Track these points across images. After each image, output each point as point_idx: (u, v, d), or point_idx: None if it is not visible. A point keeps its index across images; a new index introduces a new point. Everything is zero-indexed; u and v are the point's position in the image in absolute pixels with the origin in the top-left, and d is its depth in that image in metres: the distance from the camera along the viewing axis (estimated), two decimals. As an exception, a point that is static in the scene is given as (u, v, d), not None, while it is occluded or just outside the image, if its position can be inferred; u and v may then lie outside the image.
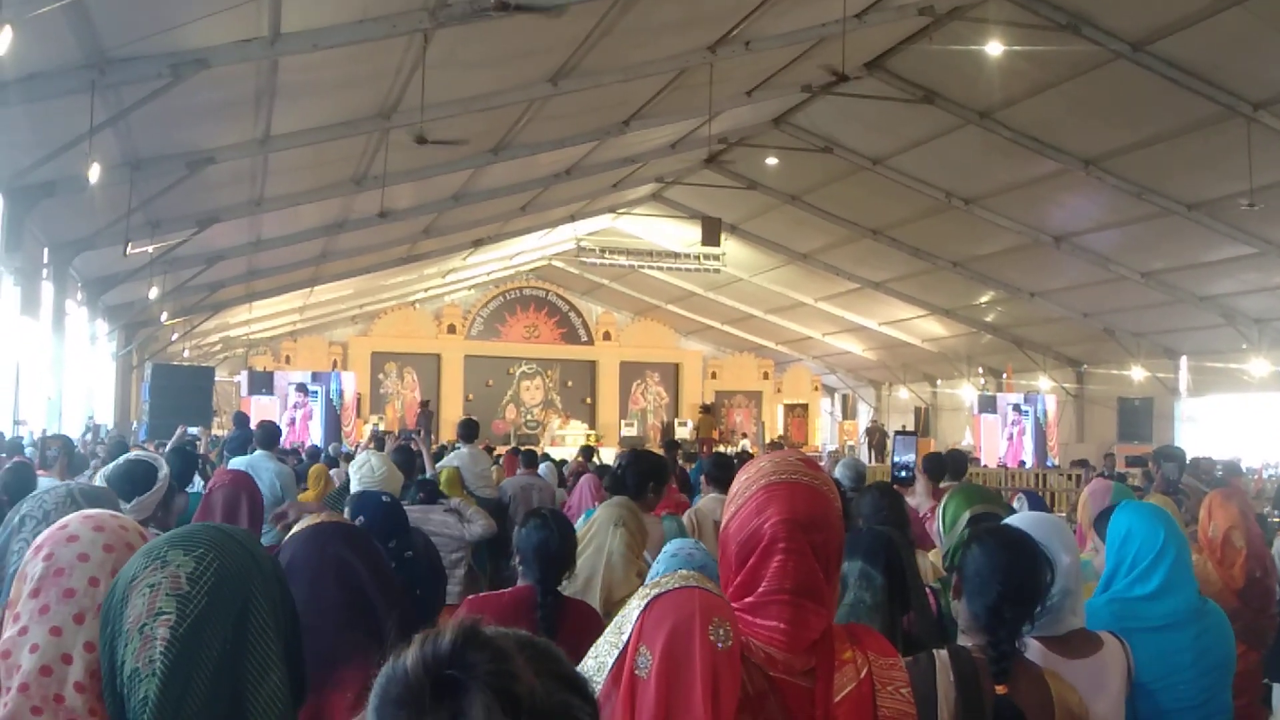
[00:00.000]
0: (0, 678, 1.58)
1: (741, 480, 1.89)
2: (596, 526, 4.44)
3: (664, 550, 3.08)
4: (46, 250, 12.97)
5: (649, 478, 5.01)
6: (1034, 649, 2.50)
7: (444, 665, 0.93)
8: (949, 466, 7.10)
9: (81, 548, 1.66)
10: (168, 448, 9.39)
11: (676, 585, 1.73)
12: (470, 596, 3.78)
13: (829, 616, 1.84)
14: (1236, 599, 3.95)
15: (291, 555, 2.37)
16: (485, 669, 0.92)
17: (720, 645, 1.64)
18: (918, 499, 6.49)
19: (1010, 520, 2.86)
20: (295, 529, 2.51)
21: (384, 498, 4.24)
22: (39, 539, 1.70)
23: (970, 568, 2.37)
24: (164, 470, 3.87)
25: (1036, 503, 5.39)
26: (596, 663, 1.72)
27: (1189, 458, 9.53)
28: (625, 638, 1.70)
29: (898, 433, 9.35)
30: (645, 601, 1.71)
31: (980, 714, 1.97)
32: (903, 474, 4.41)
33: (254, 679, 1.52)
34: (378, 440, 11.11)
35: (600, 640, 1.78)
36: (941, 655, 2.26)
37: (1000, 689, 2.07)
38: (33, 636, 1.58)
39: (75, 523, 1.70)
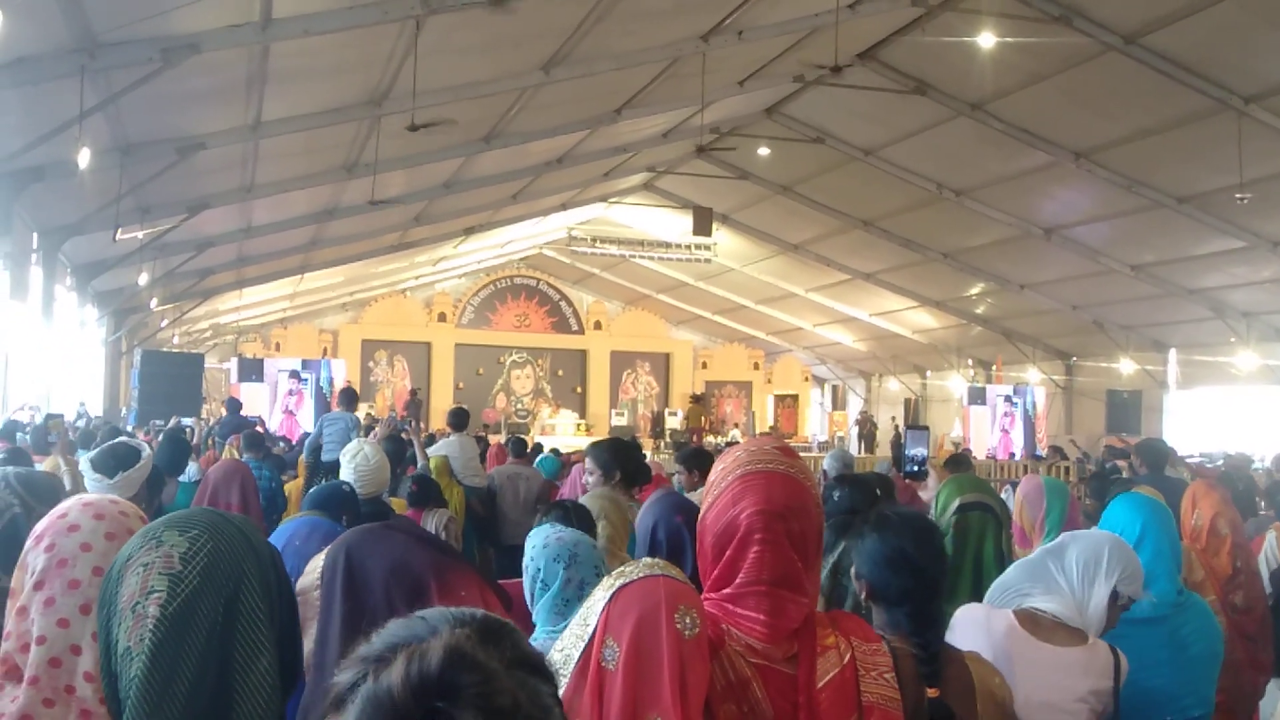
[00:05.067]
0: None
1: (718, 470, 1.88)
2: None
3: (532, 543, 2.89)
4: (36, 235, 12.89)
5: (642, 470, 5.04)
6: (1018, 634, 2.52)
7: (433, 694, 0.90)
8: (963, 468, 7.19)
9: (84, 537, 1.64)
10: (161, 435, 9.37)
11: (642, 574, 1.72)
12: None
13: (809, 604, 1.83)
14: (1221, 590, 3.96)
15: None
16: (473, 692, 0.90)
17: (687, 633, 1.63)
18: (929, 493, 6.52)
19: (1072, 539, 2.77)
20: None
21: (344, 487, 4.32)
22: (38, 528, 1.67)
23: (875, 572, 2.16)
24: (146, 451, 3.93)
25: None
26: (563, 655, 1.71)
27: (1184, 453, 9.46)
28: (591, 629, 1.69)
29: (909, 426, 9.31)
30: (610, 593, 1.70)
31: (919, 716, 1.90)
32: (914, 468, 4.39)
33: (243, 661, 1.52)
34: (368, 428, 11.15)
35: (566, 632, 1.77)
36: None
37: (932, 692, 1.91)
38: (40, 629, 1.57)
39: (75, 511, 1.68)
